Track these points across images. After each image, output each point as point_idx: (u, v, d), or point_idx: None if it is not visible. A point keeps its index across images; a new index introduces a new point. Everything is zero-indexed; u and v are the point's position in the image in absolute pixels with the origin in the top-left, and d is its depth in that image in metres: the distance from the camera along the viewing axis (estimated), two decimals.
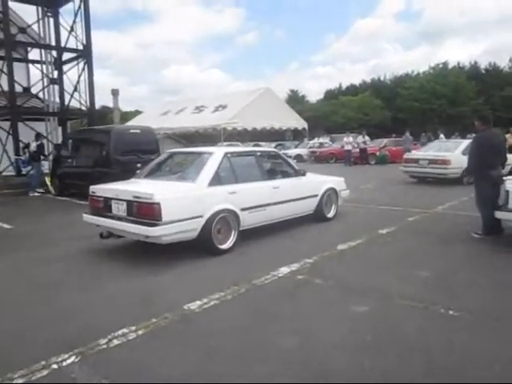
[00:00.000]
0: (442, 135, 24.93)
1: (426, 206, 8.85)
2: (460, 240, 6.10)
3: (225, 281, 4.62)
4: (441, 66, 50.58)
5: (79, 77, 15.55)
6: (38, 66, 16.26)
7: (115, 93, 45.83)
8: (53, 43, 16.07)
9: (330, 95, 61.09)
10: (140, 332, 3.48)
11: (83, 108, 16.02)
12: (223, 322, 3.66)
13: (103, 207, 5.82)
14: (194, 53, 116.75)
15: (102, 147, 10.89)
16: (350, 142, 21.99)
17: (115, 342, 3.33)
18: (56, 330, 3.60)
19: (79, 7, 15.09)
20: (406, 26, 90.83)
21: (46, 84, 15.77)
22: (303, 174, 7.31)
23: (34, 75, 18.06)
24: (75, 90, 15.82)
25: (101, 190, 6.04)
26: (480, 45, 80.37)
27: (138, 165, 10.89)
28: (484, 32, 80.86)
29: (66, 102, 16.49)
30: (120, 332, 3.47)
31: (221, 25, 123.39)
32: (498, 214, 5.65)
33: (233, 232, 5.89)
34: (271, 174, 6.97)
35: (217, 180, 5.83)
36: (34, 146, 12.88)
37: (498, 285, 4.34)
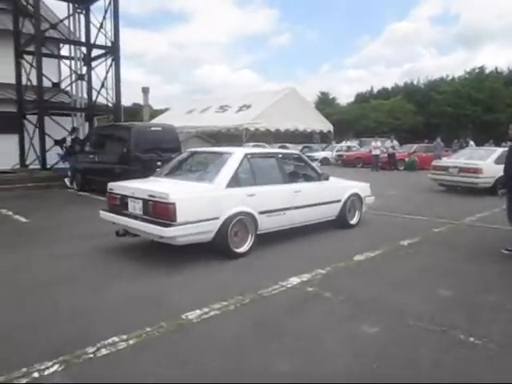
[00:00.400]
0: (471, 142, 23.95)
1: (453, 216, 8.37)
2: (488, 256, 5.66)
3: (231, 289, 4.38)
4: (477, 70, 48.87)
5: (107, 73, 15.61)
6: (67, 62, 16.49)
7: (145, 91, 46.43)
8: (82, 39, 16.20)
9: (361, 98, 59.93)
10: (131, 342, 3.27)
11: (110, 104, 16.08)
12: (219, 337, 3.40)
13: (120, 205, 5.76)
14: (226, 53, 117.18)
15: (122, 144, 10.86)
16: (377, 146, 21.41)
17: (103, 351, 3.13)
18: (48, 333, 3.45)
19: (109, 4, 15.16)
20: (441, 30, 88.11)
21: (73, 80, 15.91)
22: (326, 179, 7.05)
23: (64, 71, 18.28)
24: (102, 86, 15.90)
25: (118, 187, 5.97)
26: None
27: (159, 163, 10.81)
28: None
29: (94, 98, 16.58)
30: (110, 340, 3.27)
31: (254, 26, 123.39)
32: None
33: (250, 236, 5.71)
34: (292, 177, 6.75)
35: (235, 181, 5.67)
36: (69, 140, 13.07)
37: None
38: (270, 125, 12.19)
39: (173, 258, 5.40)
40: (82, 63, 16.44)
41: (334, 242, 6.55)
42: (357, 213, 7.54)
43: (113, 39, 15.22)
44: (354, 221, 7.48)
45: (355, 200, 7.47)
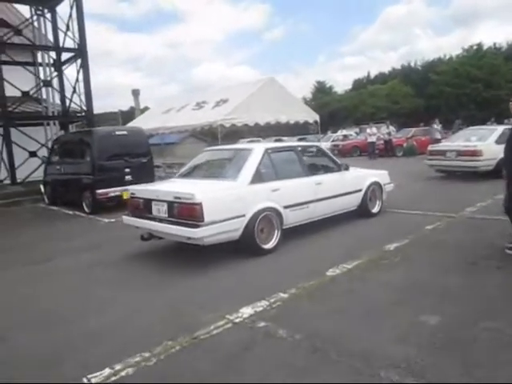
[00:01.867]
0: (458, 121, 22.83)
1: (450, 208, 7.37)
2: (490, 259, 4.66)
3: (169, 325, 3.53)
4: (475, 47, 47.37)
5: (77, 77, 14.72)
6: (39, 68, 15.61)
7: (136, 93, 45.48)
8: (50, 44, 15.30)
9: (359, 85, 58.58)
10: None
11: (84, 109, 15.16)
12: None
13: (143, 209, 5.68)
14: (222, 50, 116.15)
15: (85, 152, 9.95)
16: (373, 133, 20.39)
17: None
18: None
19: (72, 4, 14.19)
20: (436, 10, 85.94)
21: (40, 86, 15.02)
22: (346, 169, 6.97)
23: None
24: (74, 91, 14.99)
25: (140, 191, 5.91)
26: None
27: (127, 169, 9.95)
28: None
29: (68, 105, 15.68)
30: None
31: (247, 21, 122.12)
32: None
33: (276, 231, 5.64)
34: (313, 170, 6.63)
35: (258, 177, 5.62)
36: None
37: None
38: (249, 119, 11.18)
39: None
40: (52, 69, 15.56)
41: (306, 252, 5.58)
42: (378, 201, 7.43)
43: (79, 41, 14.26)
44: (375, 209, 7.37)
45: (375, 188, 7.38)
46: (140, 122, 13.32)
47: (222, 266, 5.09)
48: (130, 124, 14.20)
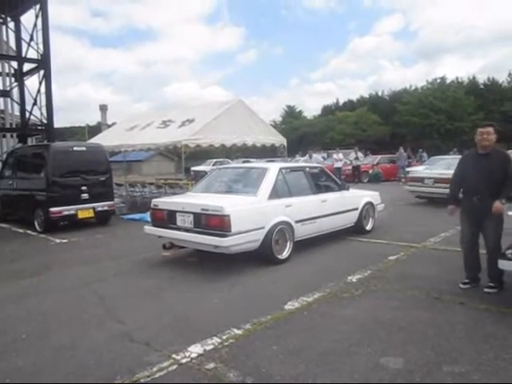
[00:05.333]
0: (424, 154, 23.58)
1: (414, 238, 7.30)
2: (453, 296, 4.51)
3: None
4: (439, 80, 49.32)
5: (39, 89, 14.15)
6: None
7: (103, 108, 44.75)
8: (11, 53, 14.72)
9: (327, 111, 59.72)
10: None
11: (44, 122, 14.55)
12: None
13: (167, 219, 6.06)
14: (195, 70, 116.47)
15: (40, 167, 9.41)
16: (339, 158, 20.51)
17: None
18: None
19: (38, 14, 13.75)
20: (403, 44, 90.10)
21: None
22: (347, 189, 7.64)
23: None
24: (35, 103, 14.40)
25: (164, 203, 6.41)
26: (477, 61, 79.61)
27: (84, 187, 9.48)
28: (480, 49, 79.85)
29: (28, 117, 15.02)
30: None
31: (222, 43, 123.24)
32: (503, 264, 4.10)
33: (288, 243, 6.13)
34: (319, 188, 7.12)
35: (275, 193, 6.13)
36: None
37: None
38: (214, 140, 10.93)
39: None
40: (13, 79, 14.96)
41: (264, 281, 5.31)
42: (371, 219, 8.06)
43: (43, 52, 13.77)
44: (368, 227, 7.99)
45: (369, 208, 8.00)
46: (103, 138, 12.84)
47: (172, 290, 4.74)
48: (93, 140, 13.65)
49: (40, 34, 13.93)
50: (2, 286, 5.46)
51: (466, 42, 77.65)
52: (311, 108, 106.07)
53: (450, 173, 10.42)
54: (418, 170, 13.68)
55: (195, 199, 6.29)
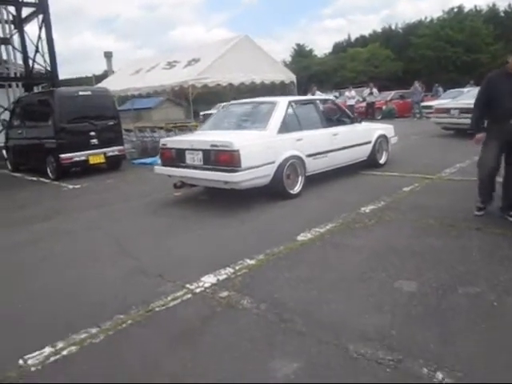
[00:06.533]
0: (439, 88, 22.72)
1: (428, 170, 7.14)
2: (469, 222, 4.43)
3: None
4: (456, 10, 46.65)
5: (39, 35, 13.72)
6: None
7: (108, 55, 43.60)
8: None
9: (339, 48, 57.37)
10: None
11: (48, 69, 14.22)
12: None
13: (176, 158, 6.01)
14: (199, 13, 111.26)
15: (47, 114, 9.30)
16: (352, 96, 19.93)
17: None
18: None
19: None
20: None
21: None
22: (359, 122, 7.50)
23: None
24: (37, 50, 14.01)
25: (172, 141, 6.39)
26: None
27: (92, 133, 9.39)
28: None
29: (31, 65, 14.69)
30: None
31: None
32: None
33: (300, 177, 6.05)
34: (330, 122, 6.99)
35: (284, 128, 5.97)
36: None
37: None
38: (222, 78, 10.59)
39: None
40: (12, 27, 14.51)
41: (280, 213, 5.31)
42: (384, 153, 7.87)
43: None
44: (382, 160, 7.81)
45: (383, 141, 7.78)
46: (108, 84, 12.56)
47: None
48: (99, 85, 13.39)
49: None
50: (14, 230, 5.53)
51: None
52: (322, 46, 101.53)
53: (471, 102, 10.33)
54: (444, 102, 13.51)
55: (204, 136, 6.20)
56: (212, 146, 5.49)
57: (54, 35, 13.47)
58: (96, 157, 9.39)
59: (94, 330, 2.81)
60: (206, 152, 5.56)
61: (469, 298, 2.89)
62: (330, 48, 61.41)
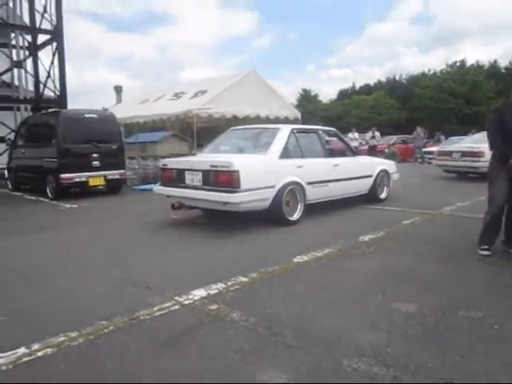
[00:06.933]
0: (441, 136, 23.09)
1: (430, 206, 7.07)
2: (469, 252, 4.32)
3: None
4: (458, 63, 48.04)
5: (52, 61, 14.06)
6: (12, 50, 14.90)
7: (118, 90, 44.59)
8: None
9: (344, 95, 58.72)
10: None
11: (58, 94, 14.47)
12: None
13: (176, 178, 5.98)
14: (210, 55, 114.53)
15: (50, 134, 9.35)
16: (355, 138, 20.14)
17: None
18: None
19: None
20: (420, 29, 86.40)
21: (11, 67, 14.35)
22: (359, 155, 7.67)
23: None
24: (48, 76, 14.33)
25: (173, 162, 6.39)
26: (499, 47, 76.38)
27: (95, 155, 9.41)
28: (501, 35, 76.85)
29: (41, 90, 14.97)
30: None
31: (237, 28, 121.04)
32: None
33: (299, 205, 5.98)
34: (331, 152, 7.01)
35: (286, 153, 5.99)
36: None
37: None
38: (226, 110, 10.74)
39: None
40: (27, 52, 14.91)
41: (277, 238, 5.20)
42: (385, 188, 7.84)
43: (55, 22, 13.65)
44: (383, 195, 7.76)
45: (384, 176, 7.76)
46: (116, 111, 12.74)
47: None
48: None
49: (53, 4, 13.80)
50: (8, 239, 5.45)
51: (487, 26, 74.98)
52: (327, 93, 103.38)
53: (477, 146, 10.48)
54: (446, 145, 13.93)
55: (204, 158, 6.21)
56: (212, 166, 5.46)
57: (70, 69, 14.00)
58: (96, 179, 9.37)
59: (73, 334, 2.67)
60: (205, 172, 5.52)
61: (469, 320, 2.75)
62: (334, 95, 62.79)
